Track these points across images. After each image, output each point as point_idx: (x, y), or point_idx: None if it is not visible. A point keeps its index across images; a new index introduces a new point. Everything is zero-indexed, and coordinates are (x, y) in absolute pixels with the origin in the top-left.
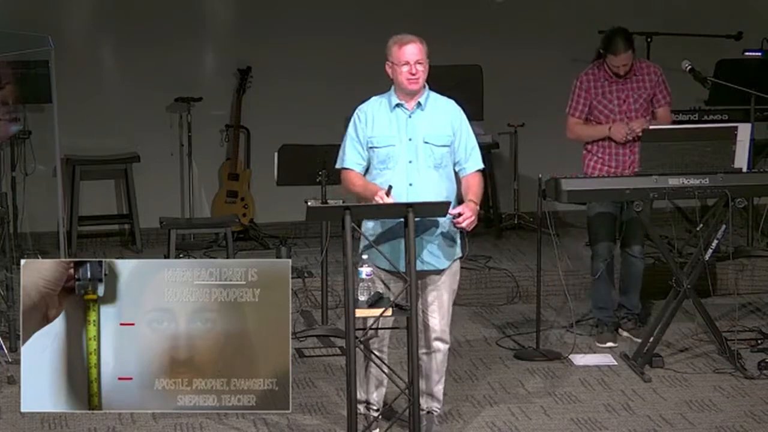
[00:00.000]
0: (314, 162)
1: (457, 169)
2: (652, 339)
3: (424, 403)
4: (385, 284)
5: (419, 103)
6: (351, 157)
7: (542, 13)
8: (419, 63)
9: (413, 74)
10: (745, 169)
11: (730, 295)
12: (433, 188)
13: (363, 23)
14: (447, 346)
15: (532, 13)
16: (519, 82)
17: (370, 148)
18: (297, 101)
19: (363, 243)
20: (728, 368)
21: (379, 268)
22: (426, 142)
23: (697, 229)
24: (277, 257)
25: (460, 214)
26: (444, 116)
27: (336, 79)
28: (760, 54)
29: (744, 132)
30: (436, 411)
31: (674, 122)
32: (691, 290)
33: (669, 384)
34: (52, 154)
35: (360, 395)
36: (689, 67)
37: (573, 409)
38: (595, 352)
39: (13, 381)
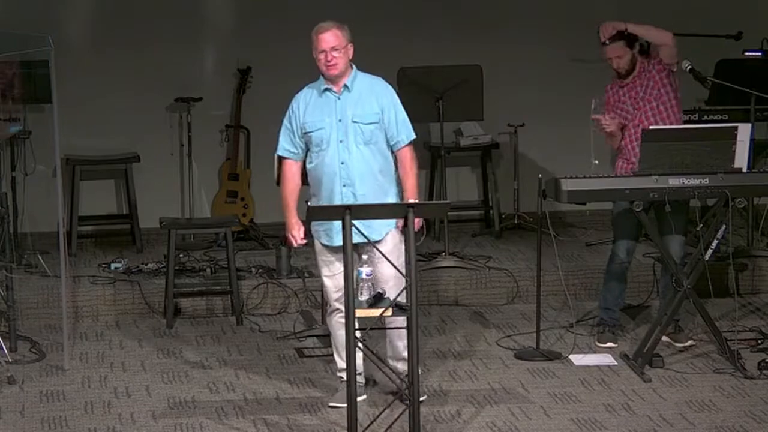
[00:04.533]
0: None
1: (391, 143)
2: (652, 339)
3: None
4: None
5: (346, 86)
6: (283, 145)
7: (542, 13)
8: (335, 50)
9: (329, 61)
10: (745, 169)
11: (730, 295)
12: (364, 164)
13: (363, 23)
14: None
15: (532, 13)
16: (519, 82)
17: (305, 133)
18: None
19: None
20: (728, 368)
21: (323, 245)
22: (354, 122)
23: (697, 229)
24: (276, 257)
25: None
26: (371, 95)
27: None
28: (760, 54)
29: (744, 132)
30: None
31: None
32: (691, 290)
33: (669, 384)
34: (52, 154)
35: (339, 363)
36: (689, 67)
37: (573, 409)
38: (595, 352)
39: (13, 381)
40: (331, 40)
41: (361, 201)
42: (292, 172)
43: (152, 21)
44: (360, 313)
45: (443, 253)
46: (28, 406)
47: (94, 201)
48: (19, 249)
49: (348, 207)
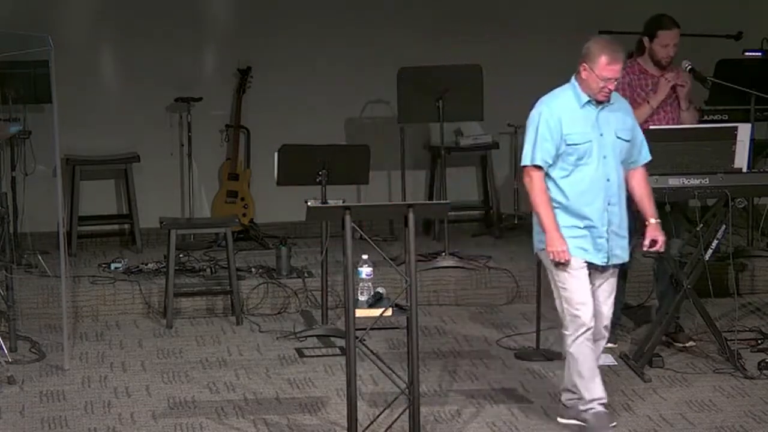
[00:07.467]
0: (314, 162)
1: (630, 160)
2: (652, 339)
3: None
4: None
5: (609, 99)
6: (540, 155)
7: (543, 12)
8: (617, 79)
9: (609, 90)
10: (745, 169)
11: (730, 295)
12: (621, 182)
13: (363, 24)
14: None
15: (532, 13)
16: (519, 82)
17: (569, 145)
18: (297, 101)
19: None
20: (728, 368)
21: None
22: (618, 137)
23: (697, 229)
24: (277, 257)
25: (654, 242)
26: (623, 112)
27: (336, 79)
28: (760, 54)
29: (744, 132)
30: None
31: None
32: (691, 290)
33: (669, 384)
34: (52, 154)
35: (585, 394)
36: (689, 67)
37: None
38: None
39: (13, 381)
40: (619, 71)
41: (617, 220)
42: (544, 182)
43: (152, 21)
44: (360, 313)
45: (443, 253)
46: (28, 406)
47: (94, 201)
48: (19, 249)
49: (347, 207)
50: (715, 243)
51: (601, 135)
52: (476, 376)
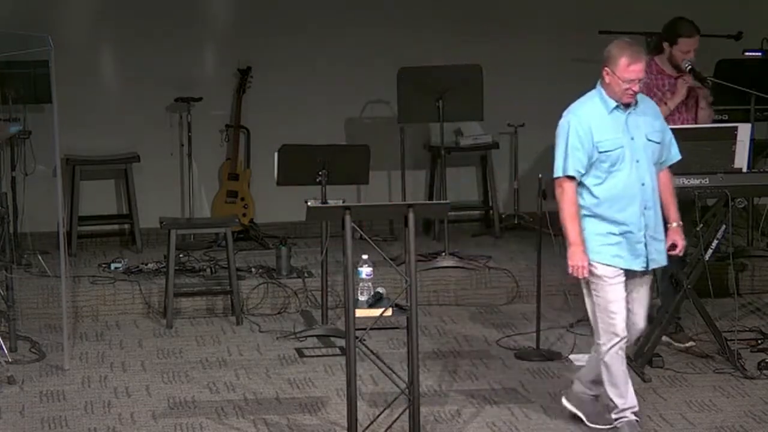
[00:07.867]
0: (314, 162)
1: (661, 161)
2: (652, 339)
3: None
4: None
5: (635, 102)
6: (573, 165)
7: (543, 12)
8: (640, 81)
9: (634, 91)
10: (745, 169)
11: (730, 295)
12: (655, 185)
13: (363, 24)
14: None
15: (532, 13)
16: (519, 82)
17: (601, 152)
18: (297, 101)
19: (594, 243)
20: (728, 368)
21: (616, 268)
22: (649, 140)
23: (697, 229)
24: (277, 257)
25: (674, 245)
26: (652, 113)
27: (336, 79)
28: (760, 54)
29: (744, 132)
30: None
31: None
32: (691, 290)
33: (669, 384)
34: (52, 154)
35: (619, 402)
36: (689, 67)
37: None
38: None
39: (13, 381)
40: (641, 70)
41: (653, 224)
42: (575, 194)
43: (152, 21)
44: (360, 313)
45: (443, 253)
46: (28, 406)
47: (94, 201)
48: (19, 249)
49: (347, 207)
50: (715, 243)
51: (632, 139)
52: (476, 376)
